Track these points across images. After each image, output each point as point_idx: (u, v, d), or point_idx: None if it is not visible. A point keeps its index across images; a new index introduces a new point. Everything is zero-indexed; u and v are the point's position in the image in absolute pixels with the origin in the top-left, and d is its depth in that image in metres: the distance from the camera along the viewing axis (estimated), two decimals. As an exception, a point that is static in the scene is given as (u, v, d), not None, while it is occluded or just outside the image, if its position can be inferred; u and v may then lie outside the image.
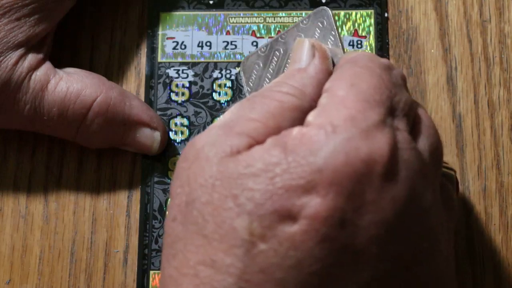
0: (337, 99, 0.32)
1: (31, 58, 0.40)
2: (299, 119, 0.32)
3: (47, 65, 0.41)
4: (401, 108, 0.33)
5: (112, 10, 0.45)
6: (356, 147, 0.30)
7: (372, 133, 0.30)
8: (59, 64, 0.42)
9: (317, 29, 0.37)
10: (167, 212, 0.32)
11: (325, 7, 0.37)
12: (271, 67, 0.39)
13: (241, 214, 0.30)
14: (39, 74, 0.40)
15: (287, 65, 0.38)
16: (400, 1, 0.45)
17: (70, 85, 0.40)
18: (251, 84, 0.39)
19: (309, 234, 0.29)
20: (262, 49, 0.39)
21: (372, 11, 0.44)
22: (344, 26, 0.44)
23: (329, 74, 0.35)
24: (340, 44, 0.37)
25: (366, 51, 0.43)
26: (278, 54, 0.38)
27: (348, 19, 0.44)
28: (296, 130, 0.31)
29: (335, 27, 0.37)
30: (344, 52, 0.36)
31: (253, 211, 0.30)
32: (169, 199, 0.32)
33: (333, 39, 0.37)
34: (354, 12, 0.44)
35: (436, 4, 0.44)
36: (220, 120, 0.33)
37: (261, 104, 0.33)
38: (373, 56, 0.34)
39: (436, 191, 0.33)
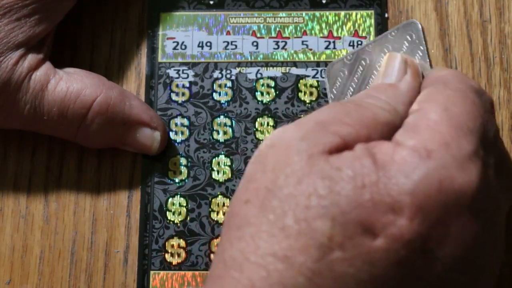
0: (430, 122, 0.31)
1: (31, 58, 0.40)
2: (388, 134, 0.32)
3: (47, 65, 0.41)
4: (491, 137, 0.32)
5: (112, 10, 0.45)
6: (450, 176, 0.29)
7: (466, 164, 0.30)
8: (59, 64, 0.42)
9: (405, 42, 0.37)
10: (236, 193, 0.32)
11: (415, 20, 0.37)
12: (356, 76, 0.38)
13: (324, 217, 0.29)
14: (39, 74, 0.40)
15: (372, 76, 0.38)
16: (400, 1, 0.45)
17: (70, 85, 0.40)
18: (335, 92, 0.39)
19: (388, 253, 0.29)
20: (348, 57, 0.39)
21: (372, 11, 0.44)
22: (344, 27, 0.44)
23: (418, 91, 0.34)
24: (428, 59, 0.37)
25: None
26: (364, 64, 0.38)
27: (348, 20, 0.44)
28: (386, 146, 0.31)
29: (424, 42, 0.37)
30: (431, 67, 0.36)
31: (337, 217, 0.29)
32: (242, 180, 0.32)
33: (421, 54, 0.37)
34: (354, 13, 0.44)
35: (436, 4, 0.44)
36: (311, 117, 0.33)
37: (356, 111, 0.32)
38: (463, 77, 0.34)
39: (503, 228, 0.33)
